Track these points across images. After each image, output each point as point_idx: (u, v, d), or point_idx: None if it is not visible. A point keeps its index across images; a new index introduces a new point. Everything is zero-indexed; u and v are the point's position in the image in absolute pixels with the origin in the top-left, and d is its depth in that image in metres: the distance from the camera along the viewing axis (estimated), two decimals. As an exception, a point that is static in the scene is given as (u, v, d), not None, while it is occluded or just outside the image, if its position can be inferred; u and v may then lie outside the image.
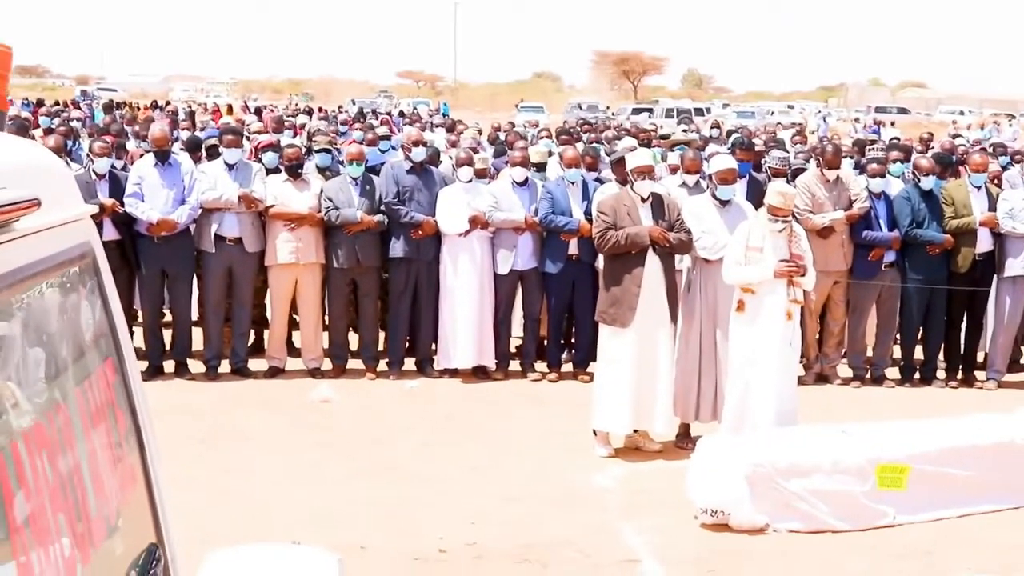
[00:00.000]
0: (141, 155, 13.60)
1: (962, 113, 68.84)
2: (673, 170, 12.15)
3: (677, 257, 9.61)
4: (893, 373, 12.08)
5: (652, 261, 9.19)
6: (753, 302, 8.74)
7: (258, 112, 42.71)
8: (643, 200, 9.33)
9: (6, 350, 1.80)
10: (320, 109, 45.20)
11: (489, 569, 7.09)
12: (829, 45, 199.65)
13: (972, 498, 8.01)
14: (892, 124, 44.74)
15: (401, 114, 43.97)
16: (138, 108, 43.16)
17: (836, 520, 7.69)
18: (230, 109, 43.77)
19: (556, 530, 7.70)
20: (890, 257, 11.70)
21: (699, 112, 57.64)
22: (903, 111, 67.56)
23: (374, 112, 44.69)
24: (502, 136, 20.16)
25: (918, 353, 12.12)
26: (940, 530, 7.80)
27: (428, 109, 57.90)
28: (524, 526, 7.77)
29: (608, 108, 65.70)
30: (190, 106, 47.64)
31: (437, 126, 23.03)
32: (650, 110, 59.76)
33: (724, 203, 9.66)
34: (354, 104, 59.76)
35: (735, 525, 7.64)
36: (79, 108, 36.82)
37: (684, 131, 22.08)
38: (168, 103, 46.95)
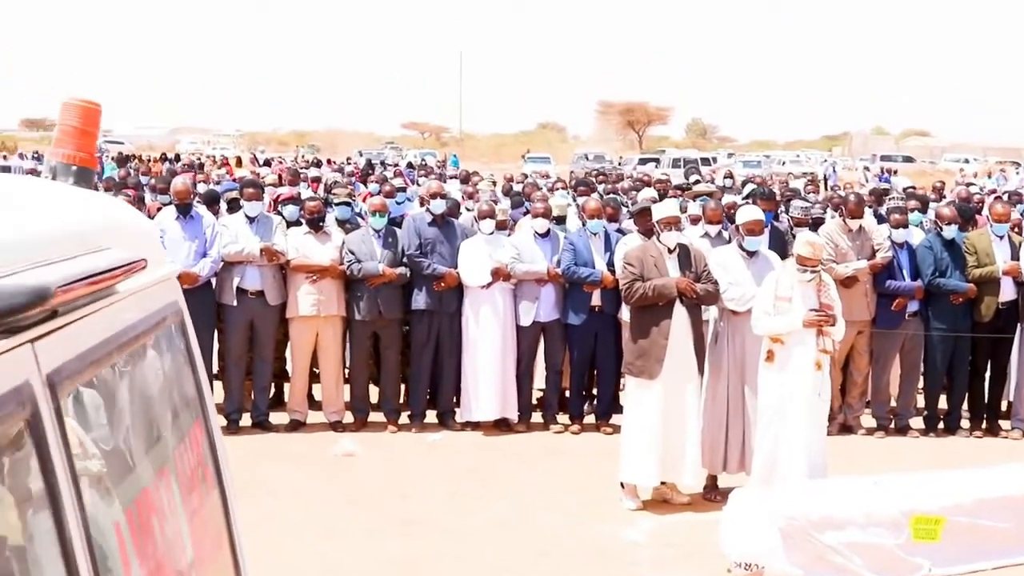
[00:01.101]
0: (158, 208, 13.65)
1: (967, 161, 68.96)
2: (695, 221, 12.14)
3: (704, 308, 9.58)
4: (917, 423, 12.04)
5: (679, 312, 9.17)
6: (782, 352, 8.71)
7: (267, 164, 42.96)
8: (670, 251, 9.33)
9: (118, 413, 1.77)
10: (329, 161, 45.40)
11: (524, 625, 7.03)
12: (832, 94, 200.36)
13: (1007, 550, 7.94)
14: (895, 173, 44.77)
15: (410, 165, 44.09)
16: (149, 161, 43.34)
17: (871, 572, 7.62)
18: (239, 162, 43.96)
19: (589, 585, 7.63)
20: (913, 307, 11.69)
21: (705, 162, 57.78)
22: (908, 159, 67.77)
23: (383, 164, 44.89)
24: (516, 187, 20.22)
25: (942, 403, 12.09)
26: (976, 583, 7.73)
27: (435, 160, 58.12)
28: (556, 580, 7.71)
29: (620, 159, 65.80)
30: (199, 158, 47.89)
31: (451, 177, 23.08)
32: (656, 160, 59.93)
33: (751, 254, 9.65)
34: (361, 155, 60.07)
35: (769, 578, 7.57)
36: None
37: (697, 181, 22.13)
38: (177, 156, 47.16)
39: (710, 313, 9.85)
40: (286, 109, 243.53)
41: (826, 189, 34.42)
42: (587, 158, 62.85)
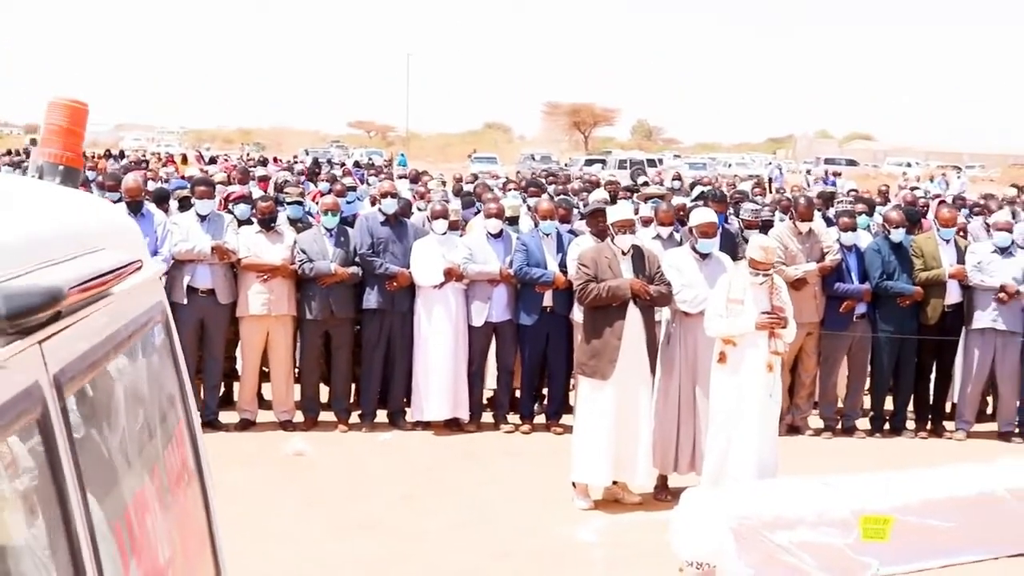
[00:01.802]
0: (108, 206, 13.53)
1: (909, 165, 69.81)
2: (646, 223, 12.22)
3: (656, 309, 9.65)
4: (863, 424, 12.18)
5: (632, 314, 9.24)
6: (735, 354, 8.80)
7: (212, 161, 42.65)
8: (623, 253, 9.38)
9: (116, 412, 1.79)
10: (276, 160, 45.13)
11: (480, 624, 7.05)
12: (776, 98, 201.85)
13: (954, 549, 8.07)
14: (838, 175, 45.21)
15: (357, 164, 43.93)
16: (93, 157, 42.87)
17: (821, 572, 7.70)
18: (184, 159, 43.61)
19: (544, 585, 7.67)
20: (861, 309, 11.84)
21: (651, 163, 57.99)
22: (852, 163, 68.53)
23: (329, 162, 44.71)
24: (466, 187, 20.23)
25: (888, 404, 12.24)
26: (924, 582, 7.84)
27: (382, 159, 57.98)
28: (511, 580, 7.74)
29: (568, 161, 65.88)
30: (144, 155, 47.50)
31: (400, 177, 23.06)
32: (603, 161, 60.10)
33: (703, 256, 9.73)
34: (307, 154, 59.80)
35: (721, 578, 7.63)
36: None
37: (645, 183, 22.24)
38: (122, 152, 46.71)
39: (662, 314, 9.92)
40: (231, 107, 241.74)
41: (771, 191, 34.74)
42: (533, 158, 63.03)
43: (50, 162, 2.29)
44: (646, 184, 23.29)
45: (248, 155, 62.70)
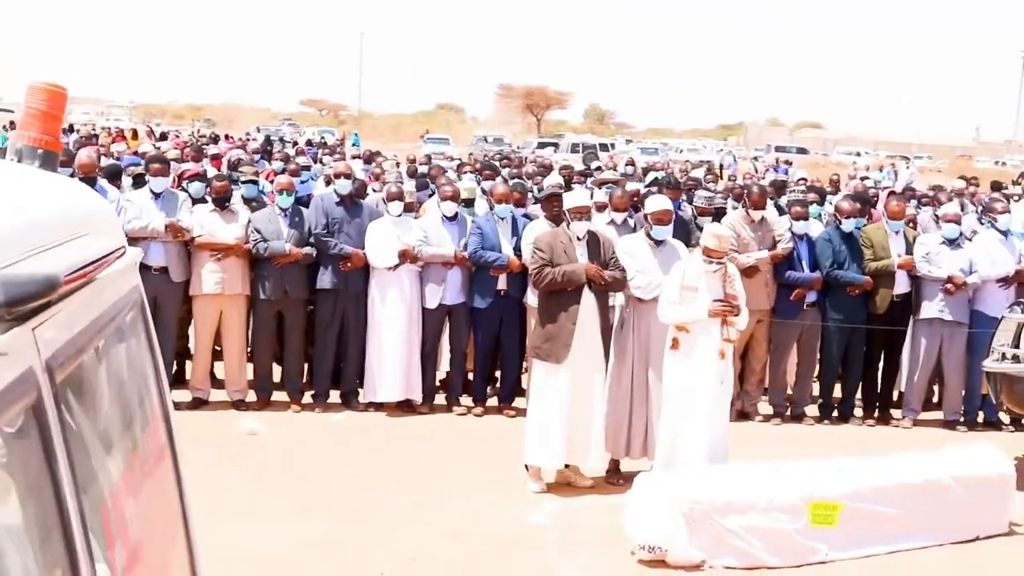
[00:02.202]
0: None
1: (859, 154, 70.35)
2: (600, 208, 12.27)
3: (610, 295, 9.71)
4: (812, 410, 12.32)
5: (587, 299, 9.29)
6: (687, 341, 8.88)
7: (163, 137, 42.33)
8: (579, 239, 9.43)
9: (100, 396, 1.81)
10: (228, 137, 44.82)
11: (433, 606, 7.09)
12: (728, 85, 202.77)
13: (901, 535, 8.19)
14: (790, 164, 45.47)
15: (309, 143, 43.73)
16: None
17: (770, 556, 7.81)
18: (135, 134, 43.21)
19: (497, 569, 7.73)
20: (812, 297, 11.96)
21: (604, 147, 58.11)
22: (802, 151, 68.96)
23: (281, 140, 44.47)
24: (421, 168, 20.22)
25: (837, 391, 12.38)
26: (870, 567, 7.95)
27: (335, 138, 57.66)
28: (465, 565, 7.78)
29: (521, 145, 65.78)
30: (93, 129, 47.02)
31: (354, 157, 22.99)
32: (555, 144, 60.16)
33: (658, 243, 9.79)
34: (259, 132, 59.45)
35: (672, 562, 7.71)
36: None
37: (598, 168, 22.30)
38: (71, 126, 46.17)
39: (616, 299, 9.98)
40: (181, 82, 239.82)
41: (723, 178, 34.91)
42: (486, 140, 62.90)
43: (29, 146, 2.30)
44: (599, 169, 23.36)
45: (199, 131, 62.30)
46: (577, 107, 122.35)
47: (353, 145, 55.08)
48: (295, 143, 42.78)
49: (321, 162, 22.48)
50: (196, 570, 2.51)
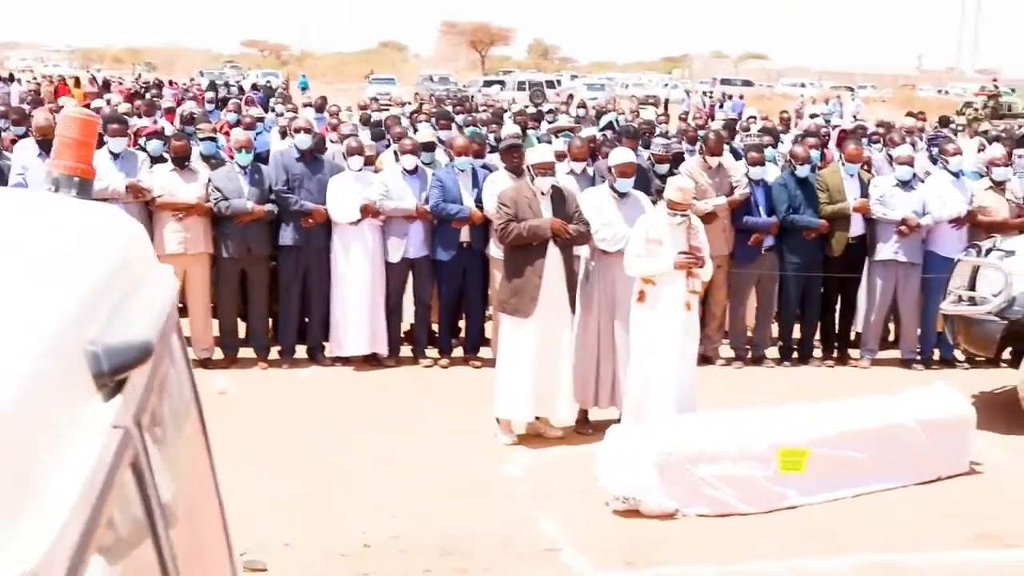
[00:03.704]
0: (12, 140, 13.34)
1: (803, 86, 70.67)
2: (559, 157, 12.34)
3: (575, 248, 9.82)
4: (772, 353, 12.54)
5: (552, 253, 9.40)
6: (653, 293, 9.02)
7: (106, 85, 41.80)
8: (543, 193, 9.52)
9: (168, 432, 1.90)
10: (172, 83, 44.34)
11: (415, 562, 7.22)
12: (671, 16, 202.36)
13: (865, 479, 8.42)
14: (742, 97, 45.68)
15: (254, 87, 43.37)
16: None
17: (742, 503, 8.01)
18: (77, 82, 42.62)
19: (473, 521, 7.85)
20: (769, 242, 12.13)
21: (550, 84, 58.02)
22: (747, 83, 69.13)
23: (226, 85, 44.06)
24: (373, 115, 20.18)
25: (796, 333, 12.60)
26: (838, 510, 8.17)
27: (280, 81, 57.19)
28: (441, 518, 7.90)
29: (467, 83, 65.41)
30: (35, 79, 46.38)
31: (305, 105, 22.87)
32: (501, 83, 59.97)
33: (622, 195, 9.90)
34: (202, 76, 58.85)
35: (646, 511, 7.89)
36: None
37: (551, 111, 22.30)
38: (11, 75, 45.55)
39: (581, 252, 10.10)
40: (118, 24, 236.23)
41: (666, 111, 35.08)
42: (432, 80, 62.60)
43: (66, 174, 2.36)
44: (552, 112, 23.41)
45: (139, 76, 61.60)
46: (520, 43, 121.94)
47: (301, 87, 54.70)
48: (240, 88, 42.46)
49: (273, 110, 22.36)
50: (235, 568, 2.62)
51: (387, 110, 23.18)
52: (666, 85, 68.36)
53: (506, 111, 22.98)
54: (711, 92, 54.66)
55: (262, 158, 12.31)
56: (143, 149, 12.16)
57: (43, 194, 2.28)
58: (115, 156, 11.44)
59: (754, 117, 23.40)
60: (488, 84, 60.44)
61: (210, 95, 26.79)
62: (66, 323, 1.46)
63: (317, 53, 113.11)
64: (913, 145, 15.47)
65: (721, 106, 41.72)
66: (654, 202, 10.23)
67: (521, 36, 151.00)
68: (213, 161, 12.21)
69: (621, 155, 10.11)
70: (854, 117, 35.12)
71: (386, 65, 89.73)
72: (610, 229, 9.73)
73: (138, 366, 1.54)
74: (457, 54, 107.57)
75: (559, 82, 61.81)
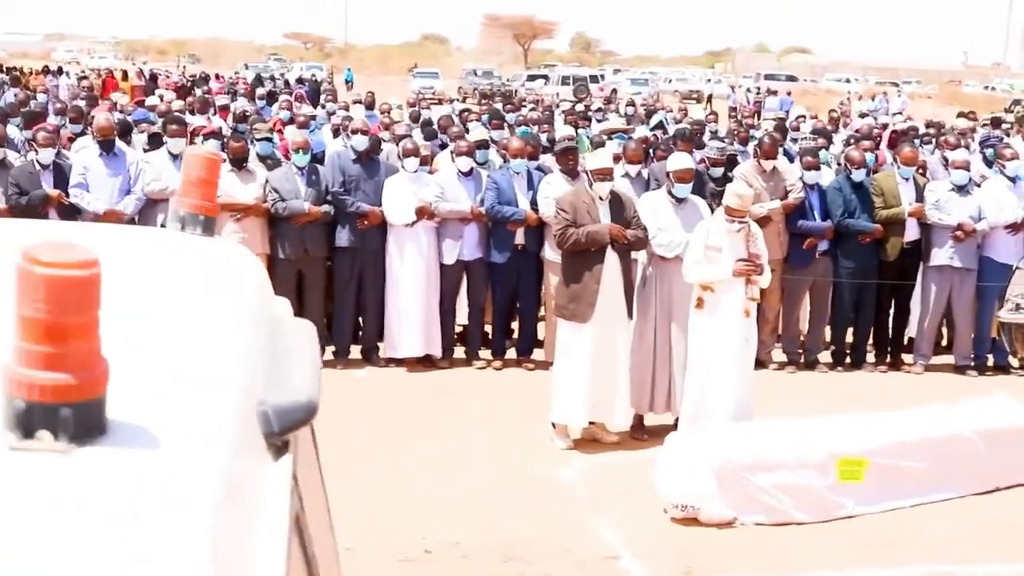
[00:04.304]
0: (70, 138, 13.52)
1: (848, 81, 70.19)
2: (614, 159, 12.35)
3: (633, 253, 9.85)
4: (825, 357, 12.52)
5: (611, 258, 9.43)
6: (712, 300, 9.04)
7: (153, 78, 42.13)
8: (601, 199, 9.56)
9: (306, 466, 1.96)
10: (218, 76, 44.60)
11: (477, 568, 7.29)
12: (713, 9, 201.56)
13: (923, 489, 8.41)
14: (789, 94, 45.43)
15: (300, 81, 43.61)
16: (30, 73, 42.15)
17: (799, 512, 8.03)
18: (124, 75, 42.97)
19: (533, 526, 7.91)
20: (823, 246, 12.11)
21: (593, 79, 57.97)
22: (791, 78, 68.70)
23: (272, 78, 44.33)
24: (423, 113, 20.28)
25: (848, 338, 12.58)
26: (896, 520, 8.18)
27: (325, 74, 57.41)
28: (501, 523, 7.96)
29: (511, 77, 65.30)
30: (83, 71, 46.75)
31: (355, 102, 22.97)
32: (545, 77, 59.98)
33: (679, 200, 9.92)
34: (247, 68, 59.18)
35: (704, 519, 7.93)
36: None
37: (600, 109, 22.30)
38: (60, 68, 45.95)
39: (639, 257, 10.12)
40: (163, 15, 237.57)
41: (709, 105, 34.92)
42: (476, 74, 62.60)
43: (192, 213, 2.43)
44: (601, 111, 23.39)
45: (184, 69, 62.00)
46: (563, 36, 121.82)
47: (347, 82, 54.93)
48: (286, 81, 42.71)
49: (323, 107, 22.48)
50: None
51: (436, 104, 23.26)
52: (708, 80, 68.16)
53: (557, 106, 23.00)
54: (758, 88, 54.37)
55: (317, 158, 12.40)
56: (201, 149, 12.27)
57: (176, 235, 2.34)
58: (174, 157, 11.57)
59: (803, 116, 23.32)
60: (532, 78, 60.46)
61: (260, 91, 26.92)
62: (244, 382, 1.52)
63: (359, 45, 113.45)
64: (967, 147, 15.37)
65: (782, 108, 41.52)
66: (709, 205, 10.27)
67: (564, 29, 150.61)
68: (269, 161, 12.30)
69: (680, 161, 10.13)
70: (900, 114, 34.90)
71: (428, 58, 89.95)
72: (667, 234, 9.75)
73: (305, 426, 1.59)
74: (500, 47, 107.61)
75: (602, 76, 61.83)
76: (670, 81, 66.64)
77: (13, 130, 13.48)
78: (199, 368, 1.45)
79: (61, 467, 1.23)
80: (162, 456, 1.27)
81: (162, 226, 11.26)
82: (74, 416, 1.25)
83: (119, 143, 11.93)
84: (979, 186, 12.57)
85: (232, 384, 1.48)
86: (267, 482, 1.48)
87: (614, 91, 50.06)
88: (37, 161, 11.29)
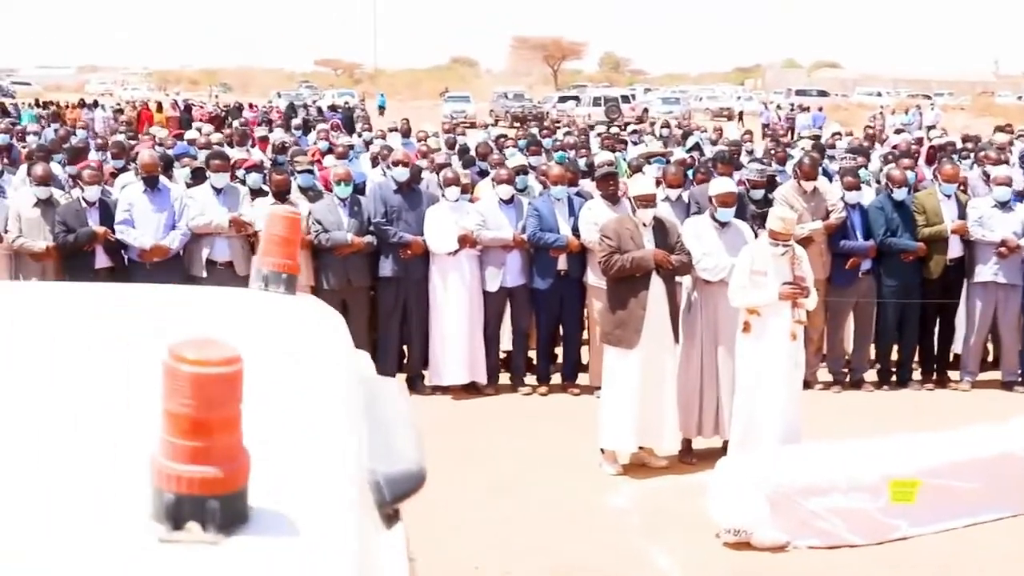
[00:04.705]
0: (112, 173, 13.66)
1: (879, 95, 69.93)
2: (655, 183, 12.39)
3: (678, 278, 9.87)
4: (871, 376, 12.49)
5: (656, 283, 9.46)
6: (758, 324, 9.04)
7: (188, 109, 42.45)
8: (645, 225, 9.58)
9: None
10: (251, 106, 44.87)
11: (532, 598, 7.32)
12: (741, 25, 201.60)
13: (976, 509, 8.38)
14: (820, 109, 45.31)
15: (332, 108, 43.82)
16: (66, 107, 42.56)
17: (852, 535, 8.01)
18: (160, 107, 43.31)
19: (585, 553, 7.92)
20: (866, 265, 12.09)
21: (625, 99, 57.92)
22: (823, 93, 68.47)
23: (305, 107, 44.58)
24: (459, 140, 20.37)
25: (894, 356, 12.54)
26: (949, 541, 8.15)
27: (357, 100, 57.68)
28: (553, 550, 7.98)
29: (541, 100, 65.29)
30: (118, 104, 47.15)
31: (391, 130, 23.10)
32: (576, 98, 59.99)
33: (722, 224, 9.95)
34: (279, 97, 59.52)
35: (757, 543, 7.92)
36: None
37: (635, 131, 22.34)
38: (96, 102, 46.30)
39: (684, 282, 10.14)
40: (193, 45, 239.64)
41: (740, 123, 34.89)
42: (507, 96, 62.72)
43: (274, 271, 2.49)
44: (637, 133, 23.42)
45: (217, 98, 62.45)
46: (592, 56, 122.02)
47: (380, 108, 55.19)
48: (319, 109, 42.93)
49: (360, 135, 22.62)
50: None
51: (469, 128, 23.29)
52: (739, 97, 68.05)
53: (591, 128, 23.03)
54: (791, 104, 54.24)
55: (358, 188, 12.48)
56: (242, 182, 12.38)
57: (263, 295, 2.39)
58: (218, 191, 11.68)
59: (839, 133, 23.26)
60: (563, 100, 60.54)
61: (295, 121, 27.10)
62: (355, 452, 1.56)
63: (389, 70, 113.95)
64: (1007, 161, 15.31)
65: (815, 125, 41.39)
66: (751, 228, 10.29)
67: (592, 49, 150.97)
68: (311, 193, 12.40)
69: (722, 185, 10.16)
70: (935, 127, 34.76)
71: (458, 81, 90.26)
72: (712, 259, 9.77)
73: (414, 494, 1.63)
74: (529, 68, 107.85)
75: (633, 96, 61.74)
76: (701, 99, 66.58)
77: (56, 167, 13.63)
78: (316, 443, 1.49)
79: (211, 558, 1.27)
80: (301, 542, 1.31)
81: (209, 261, 11.43)
82: (221, 508, 1.29)
83: (162, 178, 12.05)
84: (1021, 201, 12.52)
85: (347, 456, 1.52)
86: (387, 552, 1.51)
87: (645, 110, 50.21)
88: (83, 199, 11.42)
